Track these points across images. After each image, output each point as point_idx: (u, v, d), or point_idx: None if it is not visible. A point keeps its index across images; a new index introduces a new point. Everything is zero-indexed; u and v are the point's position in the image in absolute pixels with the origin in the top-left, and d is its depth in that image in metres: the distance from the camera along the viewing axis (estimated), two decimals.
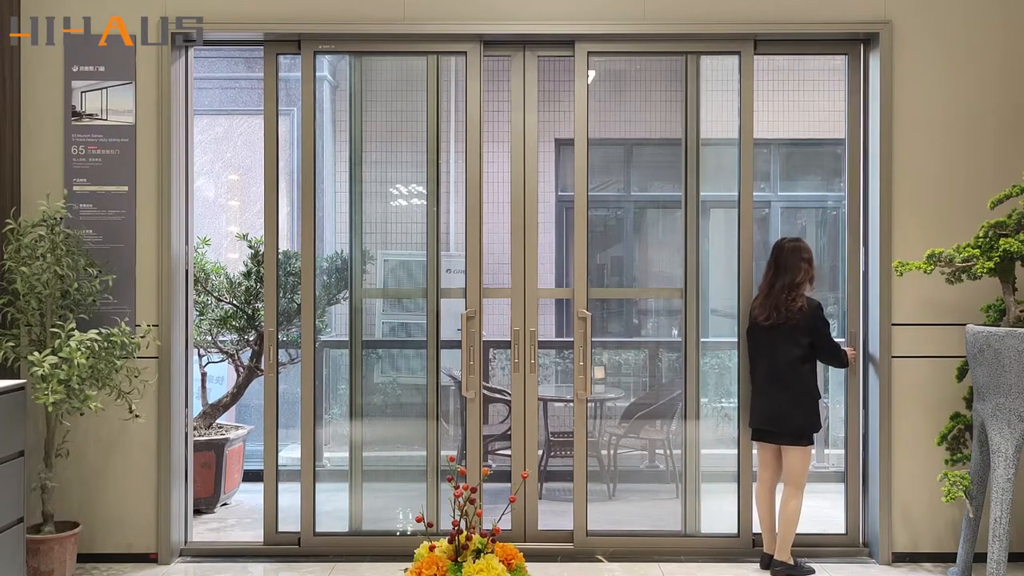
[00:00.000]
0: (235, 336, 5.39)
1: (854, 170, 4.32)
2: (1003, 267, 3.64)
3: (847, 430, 4.34)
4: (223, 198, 7.15)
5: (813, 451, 4.09)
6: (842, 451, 4.42)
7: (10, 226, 3.85)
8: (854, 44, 4.29)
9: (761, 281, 4.09)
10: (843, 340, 4.28)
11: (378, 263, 5.03)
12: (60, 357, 3.64)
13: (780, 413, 3.95)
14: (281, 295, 4.56)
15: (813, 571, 3.98)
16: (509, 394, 4.31)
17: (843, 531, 4.32)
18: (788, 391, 3.94)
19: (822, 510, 4.68)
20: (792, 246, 4.02)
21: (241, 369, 5.44)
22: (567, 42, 4.24)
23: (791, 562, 3.95)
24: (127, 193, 4.12)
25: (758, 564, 4.10)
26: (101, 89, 4.12)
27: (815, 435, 3.97)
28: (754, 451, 4.21)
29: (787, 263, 3.98)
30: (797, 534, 3.99)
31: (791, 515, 3.92)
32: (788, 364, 3.94)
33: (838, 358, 4.02)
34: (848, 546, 4.27)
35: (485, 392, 4.69)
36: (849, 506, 4.32)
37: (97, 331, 3.78)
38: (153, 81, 4.11)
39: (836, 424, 5.96)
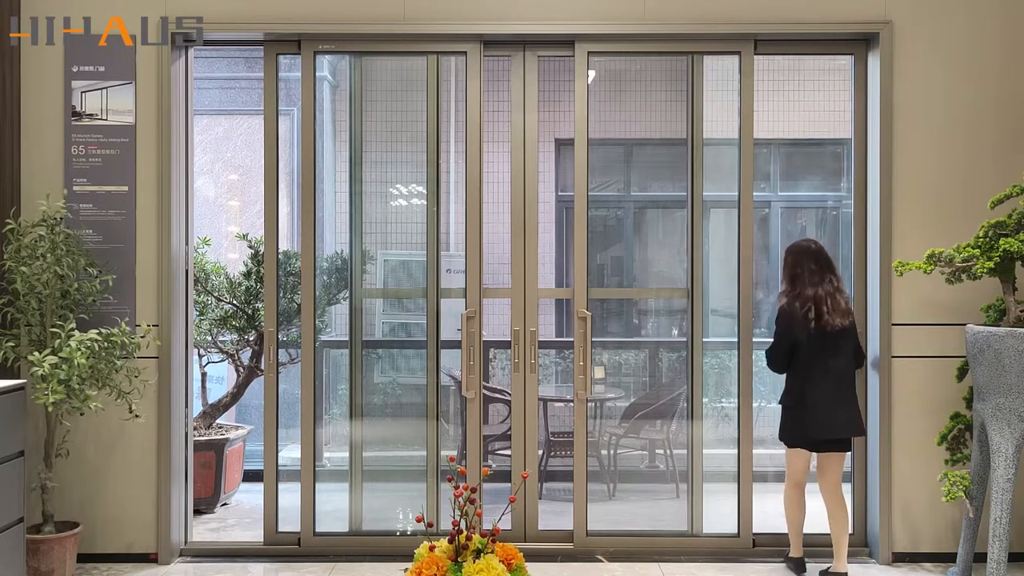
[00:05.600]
0: (235, 336, 5.39)
1: (859, 171, 4.30)
2: (1003, 267, 3.64)
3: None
4: (223, 198, 7.15)
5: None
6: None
7: (10, 226, 3.85)
8: (854, 44, 4.28)
9: (793, 285, 3.86)
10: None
11: (378, 263, 5.03)
12: (60, 357, 3.64)
13: (851, 421, 3.83)
14: (281, 295, 4.56)
15: None
16: (509, 394, 4.31)
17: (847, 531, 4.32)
18: (852, 397, 3.86)
19: (823, 510, 4.66)
20: (820, 246, 3.93)
21: (241, 369, 5.44)
22: (567, 42, 4.24)
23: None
24: (127, 193, 4.12)
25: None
26: (101, 89, 4.12)
27: None
28: (756, 452, 4.20)
29: (828, 262, 3.86)
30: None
31: (846, 522, 3.86)
32: (850, 370, 3.85)
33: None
34: (849, 545, 4.26)
35: (485, 392, 4.69)
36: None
37: (97, 331, 3.78)
38: (153, 81, 4.11)
39: None
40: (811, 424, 3.79)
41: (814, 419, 3.78)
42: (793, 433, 3.87)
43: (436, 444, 4.42)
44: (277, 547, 4.27)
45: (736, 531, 4.26)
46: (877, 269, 4.14)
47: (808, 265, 3.85)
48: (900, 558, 4.15)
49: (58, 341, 3.70)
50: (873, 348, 4.18)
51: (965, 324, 3.85)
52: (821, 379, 3.78)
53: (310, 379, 4.27)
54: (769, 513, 4.37)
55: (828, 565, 3.91)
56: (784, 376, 3.93)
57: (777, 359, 3.88)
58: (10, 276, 3.81)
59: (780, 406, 3.95)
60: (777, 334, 3.86)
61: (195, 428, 5.01)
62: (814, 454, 3.90)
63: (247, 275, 5.28)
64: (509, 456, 4.33)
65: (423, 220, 4.49)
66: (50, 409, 3.76)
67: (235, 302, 5.28)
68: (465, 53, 4.23)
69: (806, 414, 3.80)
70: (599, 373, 5.85)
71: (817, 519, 4.06)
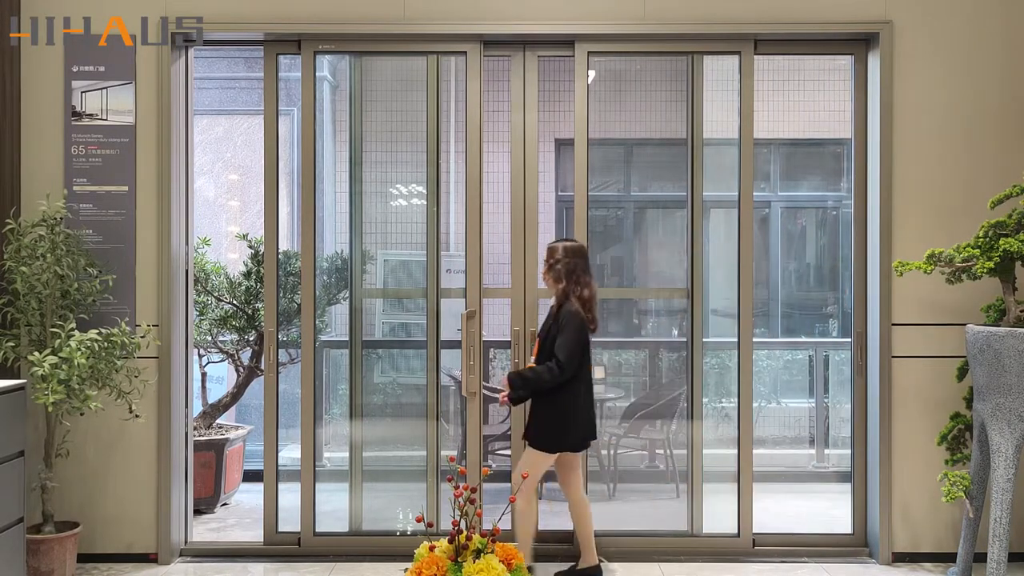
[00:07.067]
0: (235, 336, 5.39)
1: (859, 171, 4.30)
2: (1003, 267, 3.64)
3: (854, 431, 4.33)
4: (223, 198, 7.15)
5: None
6: (843, 451, 4.42)
7: (10, 226, 3.85)
8: (854, 44, 4.28)
9: (572, 283, 3.79)
10: (848, 340, 4.28)
11: (378, 263, 5.04)
12: (60, 357, 3.64)
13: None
14: (281, 295, 4.56)
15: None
16: None
17: (847, 531, 4.32)
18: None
19: (823, 510, 4.68)
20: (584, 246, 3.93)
21: (241, 369, 5.44)
22: (567, 42, 4.24)
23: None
24: (127, 193, 4.12)
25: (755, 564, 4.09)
26: (101, 89, 4.12)
27: None
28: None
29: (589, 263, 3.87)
30: (799, 533, 3.99)
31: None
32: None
33: None
34: (849, 545, 4.27)
35: (485, 392, 4.69)
36: (851, 506, 4.32)
37: (97, 331, 3.78)
38: (153, 81, 4.11)
39: (836, 424, 5.97)
40: (586, 424, 3.79)
41: (589, 419, 3.80)
42: (568, 435, 3.75)
43: (436, 444, 4.42)
44: (277, 547, 4.27)
45: (736, 531, 4.26)
46: (877, 269, 4.14)
47: (583, 264, 3.82)
48: (900, 558, 4.15)
49: (58, 341, 3.70)
50: (873, 348, 4.18)
51: (965, 324, 3.85)
52: (587, 378, 3.79)
53: (310, 379, 4.27)
54: (769, 513, 4.37)
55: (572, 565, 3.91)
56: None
57: (577, 360, 3.70)
58: (10, 276, 3.81)
59: (543, 409, 3.76)
60: (576, 334, 3.71)
61: (195, 428, 5.01)
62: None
63: (247, 275, 5.28)
64: (509, 456, 4.33)
65: (423, 220, 4.49)
66: (50, 409, 3.76)
67: (235, 302, 5.28)
68: (465, 53, 4.23)
69: (580, 415, 3.76)
70: (599, 373, 5.84)
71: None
